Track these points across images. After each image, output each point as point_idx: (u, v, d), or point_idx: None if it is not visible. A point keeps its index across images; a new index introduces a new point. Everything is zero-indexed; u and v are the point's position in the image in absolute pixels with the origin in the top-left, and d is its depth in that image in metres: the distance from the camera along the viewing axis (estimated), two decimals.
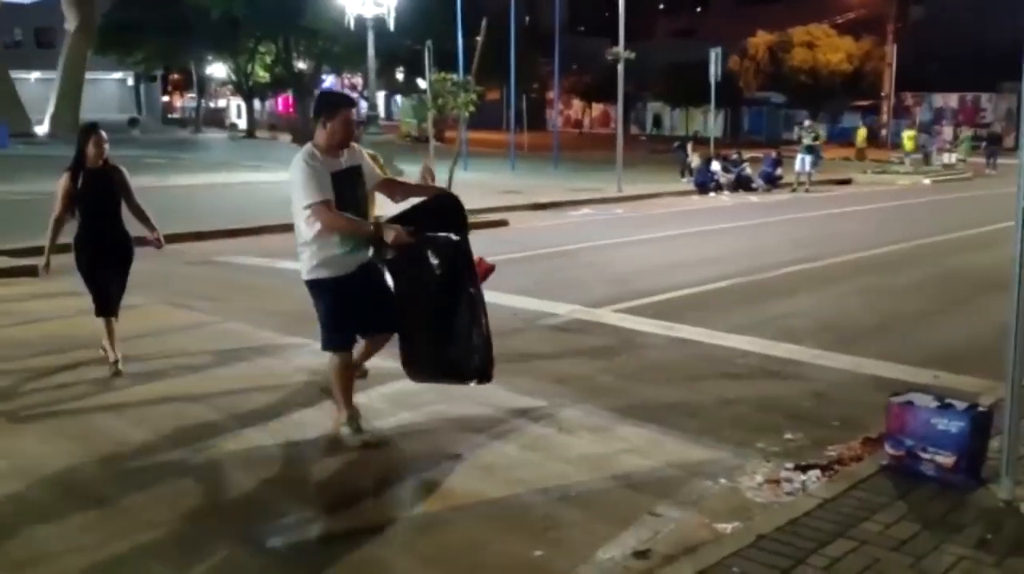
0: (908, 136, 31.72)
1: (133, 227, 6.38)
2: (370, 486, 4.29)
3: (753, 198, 21.30)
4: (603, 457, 4.72)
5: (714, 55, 24.21)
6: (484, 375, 4.89)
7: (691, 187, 21.95)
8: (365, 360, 5.35)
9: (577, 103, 62.25)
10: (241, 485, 4.35)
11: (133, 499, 4.16)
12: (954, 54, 42.90)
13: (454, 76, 17.41)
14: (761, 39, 45.02)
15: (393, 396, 5.67)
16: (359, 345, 5.12)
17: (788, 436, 5.01)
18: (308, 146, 4.67)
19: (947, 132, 37.09)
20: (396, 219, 4.87)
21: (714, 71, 24.27)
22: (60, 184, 6.01)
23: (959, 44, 42.11)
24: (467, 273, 4.80)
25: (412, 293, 4.81)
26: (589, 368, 6.43)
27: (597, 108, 61.61)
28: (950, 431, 4.02)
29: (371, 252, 4.79)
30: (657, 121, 57.53)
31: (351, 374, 4.95)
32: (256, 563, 3.61)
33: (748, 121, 53.73)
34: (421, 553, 3.65)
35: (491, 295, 9.16)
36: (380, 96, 51.14)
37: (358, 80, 45.30)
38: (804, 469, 4.49)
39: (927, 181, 26.56)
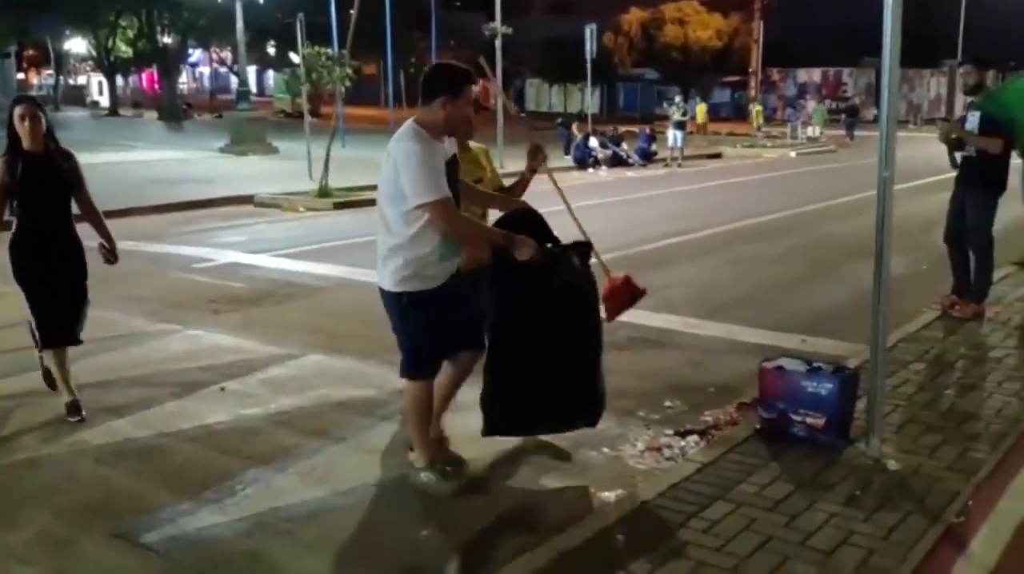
0: (756, 111, 32.79)
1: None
2: (248, 475, 4.15)
3: (630, 173, 21.71)
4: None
5: (589, 31, 24.44)
6: (594, 417, 4.29)
7: (571, 164, 22.17)
8: (454, 392, 4.27)
9: None
10: (112, 479, 4.15)
11: None
12: (818, 30, 44.76)
13: (328, 50, 16.94)
14: (634, 15, 45.80)
15: (272, 382, 5.52)
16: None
17: (667, 404, 5.14)
18: (415, 127, 3.71)
19: (811, 106, 38.66)
20: None
21: (589, 48, 24.50)
22: None
23: (822, 21, 43.97)
24: (594, 294, 4.15)
25: (523, 318, 4.02)
26: None
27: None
28: (819, 393, 4.20)
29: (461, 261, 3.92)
30: (519, 96, 57.64)
31: (431, 407, 4.07)
32: (131, 559, 3.44)
33: (623, 97, 54.69)
34: (305, 539, 3.57)
35: (373, 274, 9.12)
36: (251, 71, 49.55)
37: (227, 55, 43.72)
38: (683, 435, 4.62)
39: (793, 154, 27.68)
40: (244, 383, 5.48)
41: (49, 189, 4.79)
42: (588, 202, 15.29)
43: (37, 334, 4.90)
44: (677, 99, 25.83)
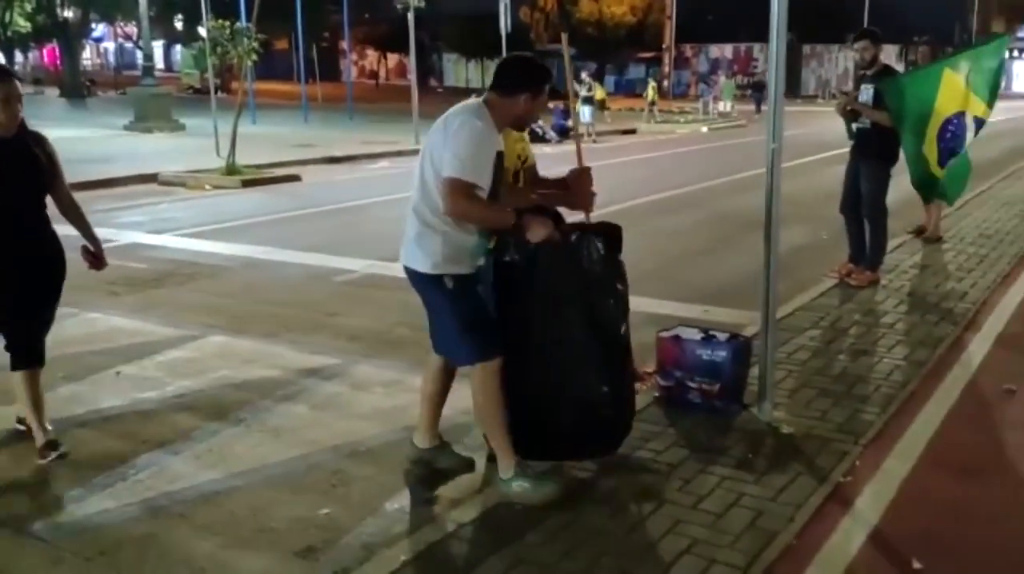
0: (652, 87, 32.93)
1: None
2: (142, 459, 4.04)
3: (547, 149, 21.71)
4: (396, 410, 4.68)
5: (503, 6, 24.33)
6: (615, 439, 3.80)
7: None
8: (444, 398, 3.85)
9: (372, 53, 61.02)
10: (3, 468, 3.99)
11: None
12: (729, 6, 45.44)
13: (237, 24, 16.47)
14: None
15: (170, 364, 5.38)
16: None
17: None
18: (483, 108, 3.48)
19: (722, 81, 39.32)
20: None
21: (504, 22, 24.39)
22: None
23: None
24: (623, 288, 3.69)
25: (539, 315, 3.56)
26: (384, 322, 6.35)
27: (393, 59, 60.70)
28: (714, 361, 4.30)
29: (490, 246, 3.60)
30: (431, 69, 57.17)
31: (505, 396, 3.55)
32: (14, 549, 3.32)
33: (556, 74, 54.73)
34: (199, 523, 3.49)
35: (280, 254, 9.00)
36: (158, 46, 47.91)
37: (133, 29, 42.16)
38: None
39: (705, 129, 28.14)
40: (141, 366, 5.33)
41: (23, 181, 3.93)
42: None
43: (9, 352, 4.07)
44: (584, 75, 25.96)
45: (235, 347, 5.75)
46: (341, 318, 6.47)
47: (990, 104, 6.72)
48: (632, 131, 27.17)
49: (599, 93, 32.93)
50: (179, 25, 42.57)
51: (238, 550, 3.33)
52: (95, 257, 4.30)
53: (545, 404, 3.60)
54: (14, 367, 4.08)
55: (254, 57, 15.45)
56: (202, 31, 17.67)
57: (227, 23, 15.38)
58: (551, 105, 26.12)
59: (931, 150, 6.64)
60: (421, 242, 3.50)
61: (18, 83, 3.92)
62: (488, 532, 3.33)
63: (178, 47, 52.01)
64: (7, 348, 4.12)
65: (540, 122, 23.27)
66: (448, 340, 3.60)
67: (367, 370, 5.34)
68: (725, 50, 50.04)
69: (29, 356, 4.10)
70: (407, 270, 3.59)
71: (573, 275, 3.54)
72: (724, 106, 33.44)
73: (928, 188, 7.23)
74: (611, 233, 3.64)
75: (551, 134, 23.21)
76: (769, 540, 3.22)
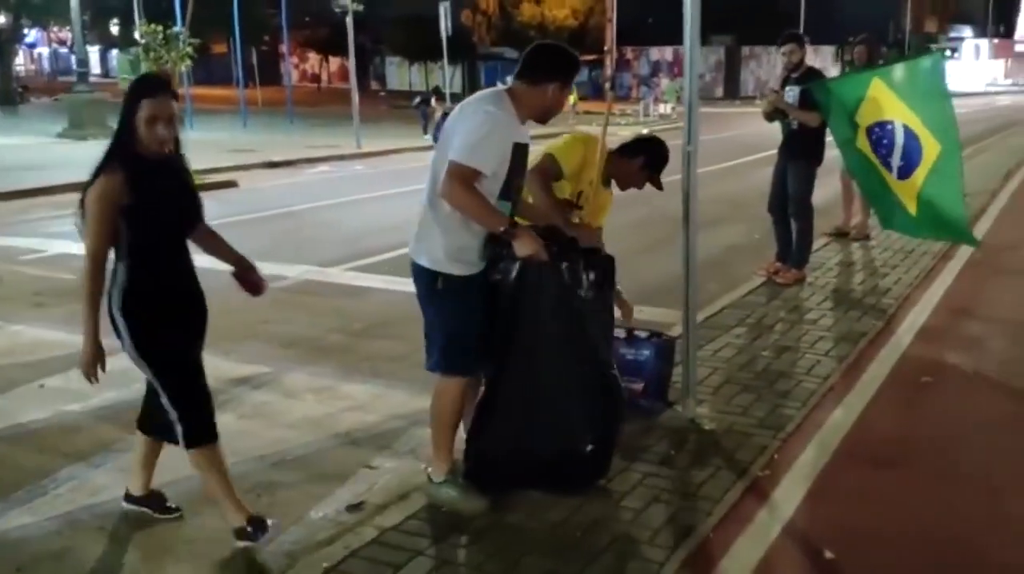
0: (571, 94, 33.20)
1: None
2: (64, 473, 3.97)
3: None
4: (326, 417, 4.69)
5: (443, 9, 24.39)
6: (599, 466, 3.65)
7: (431, 143, 22.09)
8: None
9: (314, 57, 60.47)
10: None
11: None
12: (668, 8, 46.00)
13: (173, 28, 16.22)
14: None
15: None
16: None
17: None
18: (504, 96, 3.40)
19: (664, 84, 39.80)
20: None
21: (444, 25, 24.43)
22: (95, 196, 3.09)
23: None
24: (596, 322, 3.55)
25: (519, 335, 3.46)
26: (318, 329, 6.33)
27: (335, 62, 60.18)
28: (637, 359, 4.38)
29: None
30: (371, 72, 56.95)
31: (460, 412, 3.58)
32: None
33: (484, 76, 54.77)
34: (119, 536, 3.46)
35: (213, 260, 8.84)
36: (94, 51, 46.96)
37: (67, 35, 41.24)
38: None
39: (645, 131, 28.44)
40: (66, 378, 5.21)
41: (180, 214, 3.35)
42: None
43: (182, 430, 3.32)
44: (509, 79, 26.07)
45: None
46: (273, 325, 6.43)
47: (941, 140, 5.86)
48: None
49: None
50: (115, 29, 41.79)
51: (159, 562, 3.30)
52: (253, 284, 3.91)
53: (521, 428, 3.53)
54: (197, 444, 3.32)
55: (187, 62, 15.23)
56: (138, 36, 17.38)
57: (160, 28, 15.13)
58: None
59: (864, 144, 6.51)
60: (423, 235, 3.41)
61: (174, 97, 3.35)
62: (412, 536, 3.35)
63: (114, 52, 51.01)
64: (184, 421, 3.33)
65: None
66: (428, 337, 3.56)
67: (299, 378, 5.31)
68: (665, 52, 50.55)
69: (211, 427, 3.42)
70: (412, 262, 3.51)
71: (557, 300, 3.41)
72: (665, 108, 33.85)
73: (891, 206, 6.55)
74: (603, 264, 3.56)
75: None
76: (687, 534, 3.29)
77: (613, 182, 4.41)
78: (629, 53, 51.37)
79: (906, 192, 6.11)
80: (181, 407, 3.28)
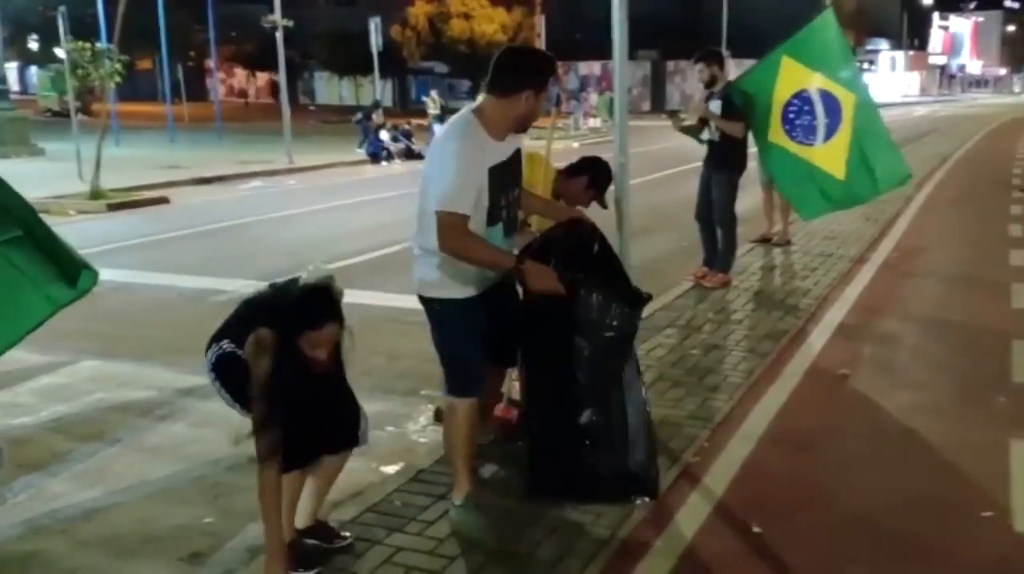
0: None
1: None
2: (20, 482, 4.04)
3: (423, 166, 21.96)
4: None
5: (373, 24, 24.48)
6: (649, 486, 3.68)
7: (364, 157, 22.17)
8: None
9: (241, 72, 59.85)
10: None
11: None
12: (596, 24, 46.90)
13: (98, 44, 16.03)
14: (420, 9, 45.97)
15: (43, 390, 5.34)
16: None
17: None
18: (469, 121, 3.29)
19: (593, 98, 40.46)
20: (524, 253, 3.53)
21: (374, 40, 24.54)
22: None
23: (601, 15, 46.12)
24: (618, 350, 3.60)
25: (554, 356, 3.56)
26: None
27: (263, 77, 59.65)
28: None
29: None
30: (300, 87, 56.74)
31: (474, 433, 3.59)
32: None
33: (415, 90, 54.94)
34: (82, 538, 3.56)
35: (152, 277, 8.89)
36: (12, 68, 45.69)
37: None
38: None
39: (576, 144, 28.93)
40: (12, 393, 5.26)
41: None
42: (380, 195, 15.44)
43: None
44: (433, 94, 26.44)
45: (109, 371, 5.73)
46: None
47: (851, 89, 6.56)
48: None
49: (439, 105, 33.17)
50: (34, 46, 40.75)
51: (123, 561, 3.41)
52: None
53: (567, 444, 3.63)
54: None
55: (117, 79, 15.08)
56: (60, 52, 17.12)
57: (88, 45, 14.96)
58: (426, 122, 26.40)
59: (777, 134, 6.77)
60: (417, 264, 3.44)
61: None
62: (370, 527, 3.51)
63: (34, 68, 49.68)
64: None
65: (414, 139, 23.54)
66: (441, 362, 3.57)
67: None
68: (594, 67, 51.43)
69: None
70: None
71: (576, 329, 3.47)
72: (595, 122, 34.48)
73: (811, 184, 6.85)
74: (630, 294, 3.62)
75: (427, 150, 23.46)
76: (628, 515, 3.54)
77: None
78: (559, 68, 52.11)
79: (834, 155, 6.58)
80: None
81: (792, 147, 6.71)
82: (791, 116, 6.62)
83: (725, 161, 7.35)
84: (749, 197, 7.86)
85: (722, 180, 7.39)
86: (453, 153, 3.23)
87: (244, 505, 3.82)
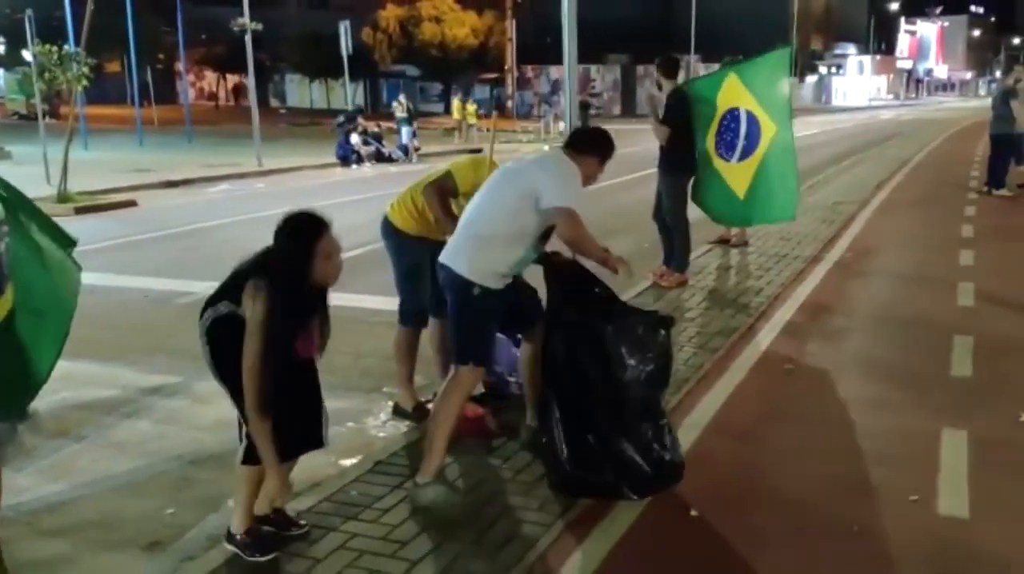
0: (456, 107, 33.25)
1: None
2: None
3: (393, 168, 22.06)
4: (238, 420, 4.92)
5: (343, 28, 24.55)
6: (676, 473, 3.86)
7: (333, 160, 22.23)
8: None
9: (211, 75, 59.58)
10: None
11: None
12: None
13: (64, 47, 15.99)
14: (391, 12, 46.09)
15: None
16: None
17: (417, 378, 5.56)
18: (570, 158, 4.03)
19: (564, 102, 40.76)
20: None
21: (344, 43, 24.60)
22: (263, 318, 3.24)
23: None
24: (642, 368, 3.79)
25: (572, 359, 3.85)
26: None
27: (232, 80, 59.42)
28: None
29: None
30: (271, 90, 56.66)
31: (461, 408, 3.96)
32: None
33: (386, 93, 54.98)
34: (46, 528, 3.68)
35: (118, 279, 8.94)
36: None
37: None
38: (425, 403, 5.05)
39: (547, 147, 29.18)
40: None
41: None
42: (349, 198, 15.53)
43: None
44: (401, 97, 26.48)
45: (74, 370, 5.78)
46: (182, 339, 6.54)
47: (777, 123, 7.37)
48: (479, 150, 27.84)
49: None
50: (0, 49, 40.33)
51: (87, 549, 3.54)
52: None
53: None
54: None
55: (84, 82, 15.06)
56: (27, 55, 17.05)
57: (55, 48, 14.93)
58: (395, 125, 26.47)
59: (711, 144, 7.57)
60: (468, 250, 3.86)
61: None
62: (327, 515, 3.67)
63: (0, 72, 49.14)
64: None
65: (384, 142, 23.62)
66: (454, 337, 3.99)
67: (209, 386, 5.40)
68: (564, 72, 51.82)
69: None
70: (445, 268, 3.89)
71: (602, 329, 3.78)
72: (565, 126, 34.75)
73: (719, 199, 7.81)
74: (653, 320, 3.97)
75: (398, 153, 23.55)
76: (574, 502, 3.72)
77: None
78: (530, 72, 52.35)
79: (741, 175, 7.53)
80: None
81: (713, 158, 7.56)
82: (722, 130, 7.33)
83: (672, 166, 7.60)
84: None
85: (669, 185, 7.64)
86: (572, 169, 3.95)
87: (205, 497, 3.98)
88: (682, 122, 7.46)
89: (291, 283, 3.28)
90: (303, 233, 3.34)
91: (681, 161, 7.54)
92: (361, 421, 4.92)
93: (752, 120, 7.30)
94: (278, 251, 3.33)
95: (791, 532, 3.57)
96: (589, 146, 4.12)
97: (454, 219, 4.31)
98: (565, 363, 3.85)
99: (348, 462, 4.32)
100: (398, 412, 4.92)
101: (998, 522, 3.64)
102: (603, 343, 3.74)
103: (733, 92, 7.38)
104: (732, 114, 7.37)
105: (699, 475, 3.97)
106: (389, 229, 4.81)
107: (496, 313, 3.95)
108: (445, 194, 4.50)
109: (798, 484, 3.99)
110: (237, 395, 3.32)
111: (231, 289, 3.34)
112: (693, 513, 3.67)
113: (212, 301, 3.38)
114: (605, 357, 3.73)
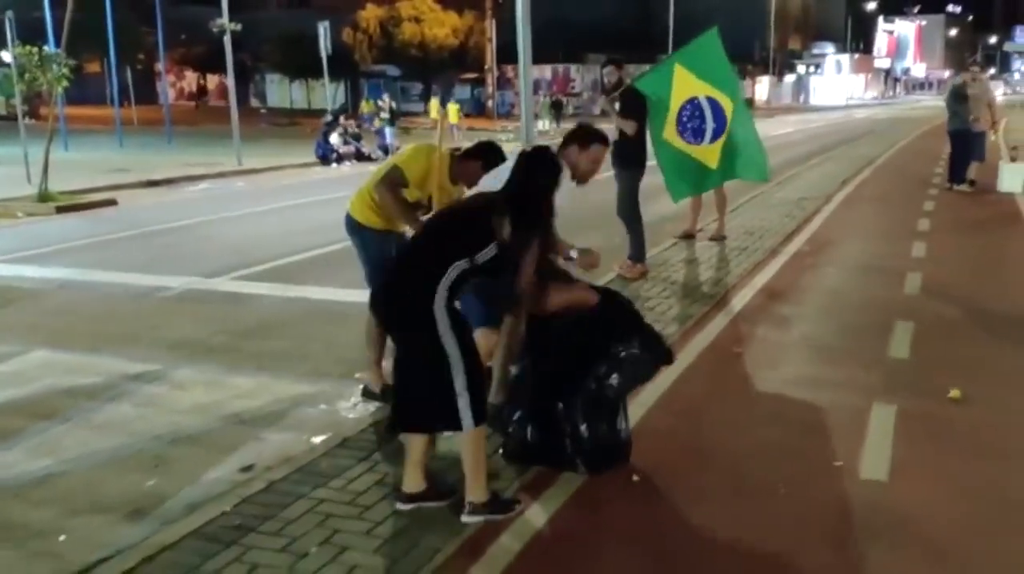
0: (433, 107, 33.61)
1: None
2: None
3: (372, 167, 22.25)
4: (215, 404, 5.21)
5: (322, 28, 24.76)
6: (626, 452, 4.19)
7: (313, 159, 22.45)
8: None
9: (191, 75, 59.55)
10: None
11: None
12: (546, 29, 47.49)
13: (44, 49, 16.14)
14: (371, 12, 46.22)
15: None
16: None
17: (386, 364, 5.85)
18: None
19: (541, 101, 41.02)
20: None
21: (324, 44, 24.81)
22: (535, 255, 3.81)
23: (550, 19, 46.84)
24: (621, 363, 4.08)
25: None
26: (204, 332, 6.78)
27: (213, 80, 59.41)
28: None
29: None
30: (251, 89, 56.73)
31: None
32: None
33: (367, 93, 55.11)
34: (34, 499, 3.95)
35: (99, 275, 9.18)
36: None
37: None
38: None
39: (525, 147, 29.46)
40: None
41: None
42: (328, 196, 15.73)
43: (472, 412, 3.60)
44: (385, 96, 26.85)
45: (58, 360, 6.08)
46: (162, 330, 6.86)
47: (732, 97, 8.13)
48: (458, 149, 28.06)
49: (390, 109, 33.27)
50: None
51: (73, 517, 3.81)
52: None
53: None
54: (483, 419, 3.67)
55: (65, 83, 15.24)
56: (6, 57, 17.20)
57: (35, 49, 15.09)
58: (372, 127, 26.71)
59: (671, 134, 8.08)
60: None
61: None
62: (298, 484, 3.94)
63: None
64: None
65: (363, 141, 23.86)
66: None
67: (188, 373, 5.81)
68: (545, 71, 52.08)
69: None
70: None
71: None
72: (543, 124, 35.07)
73: (692, 176, 8.41)
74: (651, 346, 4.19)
75: (376, 152, 23.81)
76: (527, 469, 4.04)
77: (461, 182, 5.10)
78: (510, 71, 52.54)
79: (713, 151, 8.21)
80: (474, 388, 3.57)
81: (680, 144, 8.08)
82: (684, 119, 7.89)
83: (627, 160, 7.91)
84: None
85: (623, 178, 7.98)
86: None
87: (183, 472, 4.26)
88: (639, 117, 7.82)
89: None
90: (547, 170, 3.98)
91: (635, 156, 7.87)
92: (333, 403, 5.20)
93: (714, 104, 7.90)
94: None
95: (721, 492, 3.90)
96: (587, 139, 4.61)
97: (410, 208, 4.60)
98: (567, 343, 4.07)
99: (319, 439, 4.61)
100: (367, 394, 5.21)
101: (912, 484, 3.97)
102: (607, 358, 4.02)
103: (686, 83, 7.88)
104: (692, 103, 7.90)
105: (642, 446, 4.28)
106: (354, 225, 5.10)
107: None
108: (396, 186, 4.81)
109: (730, 452, 4.31)
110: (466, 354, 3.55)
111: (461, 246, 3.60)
112: (635, 478, 3.99)
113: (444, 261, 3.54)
114: (606, 364, 4.01)
